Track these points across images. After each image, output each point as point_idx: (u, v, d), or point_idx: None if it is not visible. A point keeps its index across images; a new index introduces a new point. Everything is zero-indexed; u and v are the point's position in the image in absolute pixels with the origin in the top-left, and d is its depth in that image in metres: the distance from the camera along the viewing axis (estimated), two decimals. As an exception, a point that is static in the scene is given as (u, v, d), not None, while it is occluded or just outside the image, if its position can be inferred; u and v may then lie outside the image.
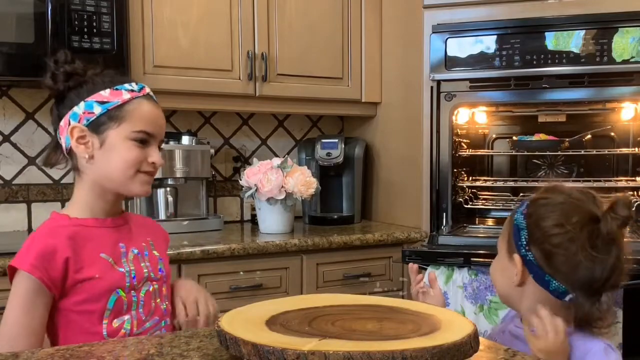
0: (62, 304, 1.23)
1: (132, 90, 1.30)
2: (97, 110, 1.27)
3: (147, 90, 1.34)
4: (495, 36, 2.29)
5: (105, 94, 1.28)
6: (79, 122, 1.27)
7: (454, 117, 2.38)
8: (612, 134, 2.54)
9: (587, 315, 1.18)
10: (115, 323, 1.24)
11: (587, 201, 1.19)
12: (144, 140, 1.29)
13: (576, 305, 1.19)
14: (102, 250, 1.27)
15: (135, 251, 1.33)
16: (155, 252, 1.38)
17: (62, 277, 1.21)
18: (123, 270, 1.28)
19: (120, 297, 1.25)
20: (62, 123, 1.29)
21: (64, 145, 1.30)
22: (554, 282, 1.18)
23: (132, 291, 1.27)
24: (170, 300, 1.39)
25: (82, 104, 1.27)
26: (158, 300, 1.34)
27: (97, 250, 1.27)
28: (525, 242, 1.20)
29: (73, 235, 1.24)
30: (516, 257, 1.22)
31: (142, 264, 1.32)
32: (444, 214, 2.37)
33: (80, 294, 1.23)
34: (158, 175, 2.33)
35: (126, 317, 1.27)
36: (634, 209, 1.16)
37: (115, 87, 1.28)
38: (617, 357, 1.18)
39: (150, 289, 1.31)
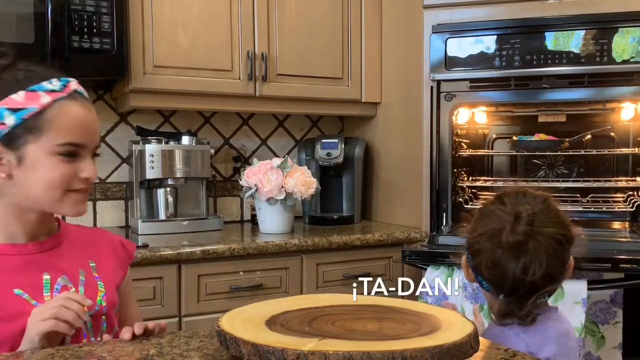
0: None
1: (53, 91, 1.05)
2: (10, 120, 1.02)
3: (73, 86, 1.09)
4: (495, 36, 2.29)
5: (18, 98, 1.03)
6: None
7: (454, 117, 2.38)
8: (612, 134, 2.54)
9: (512, 313, 1.25)
10: None
11: (510, 210, 1.23)
12: (72, 153, 1.06)
13: (504, 302, 1.26)
14: (15, 285, 1.06)
15: (65, 280, 1.11)
16: (96, 276, 1.17)
17: None
18: None
19: None
20: None
21: None
22: (484, 282, 1.27)
23: None
24: (113, 332, 1.17)
25: None
26: (92, 339, 1.11)
27: (9, 285, 1.05)
28: (467, 245, 1.31)
29: None
30: (463, 257, 1.33)
31: None
32: (444, 214, 2.37)
33: None
34: (158, 175, 2.38)
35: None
36: (529, 226, 1.19)
37: (30, 88, 1.04)
38: (515, 340, 1.21)
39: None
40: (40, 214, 1.12)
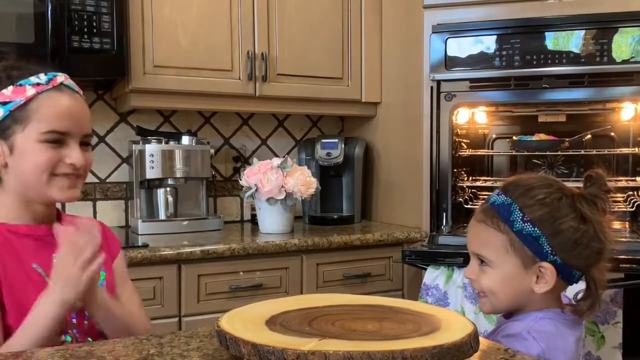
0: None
1: (38, 84, 1.14)
2: None
3: (60, 79, 1.17)
4: (495, 36, 2.29)
5: (7, 92, 1.13)
6: None
7: (454, 117, 2.38)
8: (612, 134, 2.54)
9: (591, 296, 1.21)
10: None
11: (559, 187, 1.20)
12: (57, 140, 1.15)
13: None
14: (33, 260, 1.15)
15: None
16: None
17: None
18: None
19: None
20: None
21: None
22: (577, 273, 1.18)
23: None
24: None
25: None
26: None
27: (29, 261, 1.15)
28: (550, 249, 1.15)
29: (1, 242, 1.13)
30: (546, 264, 1.16)
31: None
32: (444, 214, 2.37)
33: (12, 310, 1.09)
34: (158, 175, 2.38)
35: (62, 337, 1.14)
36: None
37: (18, 83, 1.13)
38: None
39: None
40: (43, 203, 1.20)
